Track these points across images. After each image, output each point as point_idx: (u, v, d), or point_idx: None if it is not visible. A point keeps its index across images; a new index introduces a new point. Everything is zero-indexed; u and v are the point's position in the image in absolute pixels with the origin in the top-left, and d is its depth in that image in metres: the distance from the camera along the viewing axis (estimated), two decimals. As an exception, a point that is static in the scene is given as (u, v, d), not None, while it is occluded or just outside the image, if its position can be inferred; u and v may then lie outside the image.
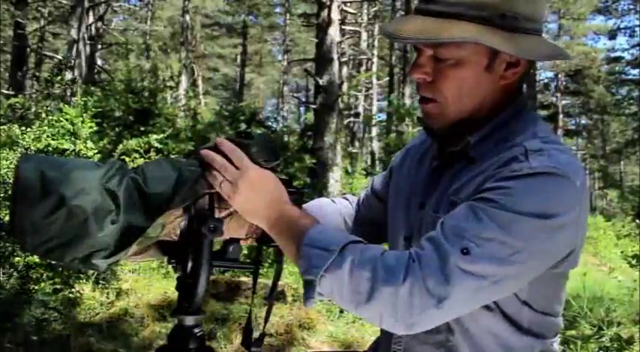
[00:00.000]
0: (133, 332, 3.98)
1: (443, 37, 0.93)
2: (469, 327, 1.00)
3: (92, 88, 9.33)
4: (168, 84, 11.83)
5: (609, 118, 28.71)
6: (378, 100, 22.67)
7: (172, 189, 0.93)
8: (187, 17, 21.04)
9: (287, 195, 1.02)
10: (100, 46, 13.84)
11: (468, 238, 0.86)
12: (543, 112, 24.83)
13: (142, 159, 6.00)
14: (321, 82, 9.64)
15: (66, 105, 5.16)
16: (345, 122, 16.44)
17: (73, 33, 10.76)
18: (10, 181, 3.57)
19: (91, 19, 11.36)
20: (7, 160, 3.86)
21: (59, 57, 11.23)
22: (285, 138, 11.40)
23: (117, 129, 8.35)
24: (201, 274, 0.97)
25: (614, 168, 30.78)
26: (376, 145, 18.45)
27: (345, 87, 12.59)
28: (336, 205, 1.36)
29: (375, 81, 19.68)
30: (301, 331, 4.18)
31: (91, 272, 4.30)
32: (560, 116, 25.54)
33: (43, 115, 5.26)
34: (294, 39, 27.85)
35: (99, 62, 13.93)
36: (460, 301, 0.87)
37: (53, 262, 3.31)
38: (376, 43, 20.17)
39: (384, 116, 21.26)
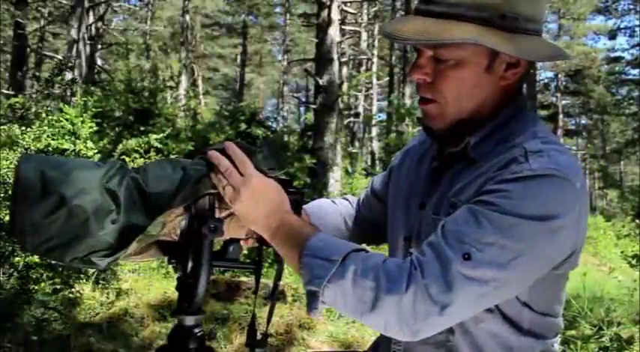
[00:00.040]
0: (133, 332, 3.98)
1: (443, 38, 0.93)
2: (469, 328, 1.00)
3: (92, 88, 9.33)
4: (168, 84, 11.84)
5: (609, 118, 28.72)
6: (378, 100, 22.68)
7: (176, 187, 0.94)
8: (187, 17, 21.04)
9: (289, 204, 1.03)
10: (100, 46, 13.84)
11: (468, 243, 0.86)
12: (543, 112, 24.85)
13: (142, 159, 6.00)
14: (321, 82, 9.64)
15: (66, 105, 5.16)
16: (345, 122, 16.44)
17: (73, 33, 10.76)
18: (10, 181, 3.57)
19: (91, 19, 11.36)
20: (7, 160, 3.85)
21: (59, 57, 11.22)
22: (285, 138, 11.41)
23: (117, 129, 8.35)
24: (201, 274, 0.97)
25: (614, 168, 30.79)
26: (376, 145, 18.46)
27: (345, 87, 12.59)
28: (336, 206, 1.36)
29: (375, 81, 19.68)
30: (301, 331, 4.18)
31: (91, 272, 4.30)
32: (560, 116, 25.54)
33: (43, 115, 5.26)
34: (294, 39, 27.84)
35: (99, 62, 13.93)
36: (463, 307, 0.87)
37: (53, 262, 3.30)
38: (376, 43, 20.17)
39: (384, 116, 21.30)
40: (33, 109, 6.12)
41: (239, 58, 28.76)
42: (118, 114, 8.90)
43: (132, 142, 6.44)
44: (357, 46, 19.38)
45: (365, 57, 19.37)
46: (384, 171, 1.36)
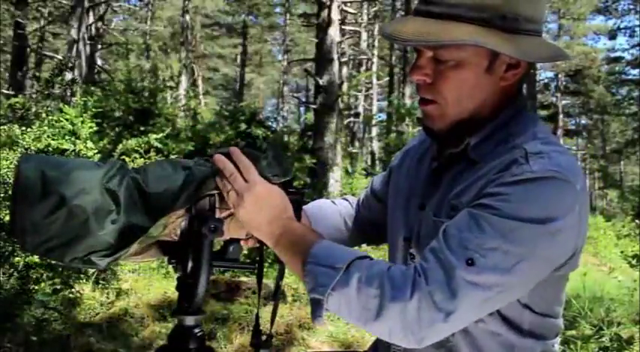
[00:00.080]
0: (133, 332, 3.98)
1: (443, 38, 0.93)
2: (469, 328, 1.00)
3: (92, 88, 9.32)
4: (168, 84, 11.84)
5: (609, 118, 28.72)
6: (378, 100, 22.68)
7: (179, 187, 0.94)
8: (187, 17, 21.04)
9: (292, 211, 1.03)
10: (100, 46, 13.84)
11: (471, 249, 0.86)
12: (543, 112, 24.85)
13: (142, 159, 6.00)
14: (321, 82, 9.64)
15: (66, 106, 5.16)
16: (345, 122, 16.44)
17: (73, 33, 10.76)
18: (10, 181, 3.57)
19: (91, 19, 11.36)
20: (7, 160, 3.85)
21: (59, 57, 11.22)
22: (285, 138, 11.40)
23: (117, 129, 8.34)
24: (201, 274, 0.97)
25: (614, 168, 30.79)
26: (376, 145, 18.46)
27: (345, 87, 12.58)
28: (336, 206, 1.36)
29: (375, 81, 19.68)
30: (301, 331, 4.18)
31: (91, 272, 4.30)
32: (560, 116, 25.53)
33: (43, 115, 5.26)
34: (294, 39, 27.84)
35: (99, 62, 13.93)
36: (467, 312, 0.87)
37: (53, 262, 3.31)
38: (376, 43, 20.16)
39: (384, 116, 21.30)
40: (33, 109, 6.12)
41: (239, 58, 28.76)
42: (118, 114, 8.90)
43: (132, 142, 6.44)
44: (357, 46, 19.37)
45: (365, 57, 19.37)
46: (384, 171, 1.36)
